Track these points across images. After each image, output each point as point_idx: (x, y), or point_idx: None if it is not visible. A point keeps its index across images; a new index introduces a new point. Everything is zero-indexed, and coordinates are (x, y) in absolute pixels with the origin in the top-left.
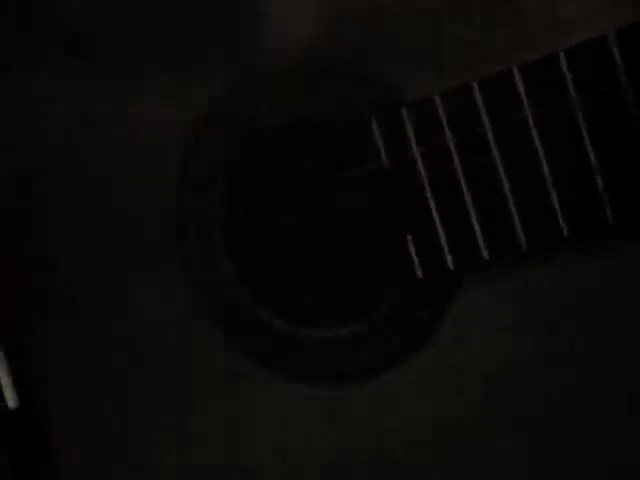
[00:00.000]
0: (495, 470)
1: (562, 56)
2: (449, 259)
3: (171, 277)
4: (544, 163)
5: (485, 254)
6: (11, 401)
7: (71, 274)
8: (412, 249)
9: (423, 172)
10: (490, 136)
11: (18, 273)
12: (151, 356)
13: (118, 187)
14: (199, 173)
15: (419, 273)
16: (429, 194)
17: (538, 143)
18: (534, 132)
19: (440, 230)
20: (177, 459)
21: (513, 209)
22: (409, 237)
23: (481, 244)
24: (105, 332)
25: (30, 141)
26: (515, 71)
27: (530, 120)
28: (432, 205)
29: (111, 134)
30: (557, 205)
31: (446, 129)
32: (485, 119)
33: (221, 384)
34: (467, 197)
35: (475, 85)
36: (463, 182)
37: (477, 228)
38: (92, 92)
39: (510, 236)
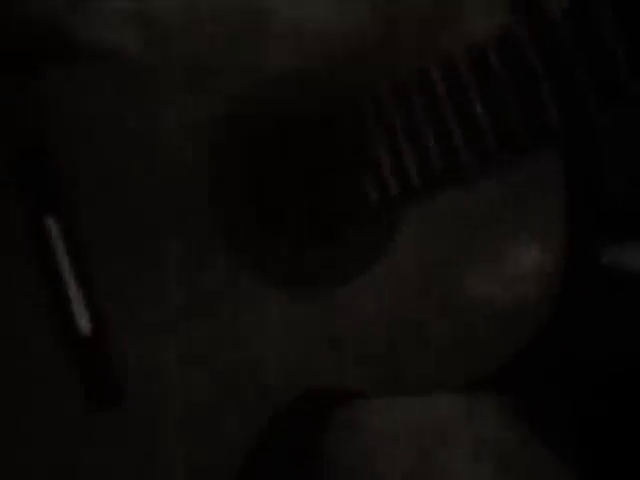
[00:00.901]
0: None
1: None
2: (394, 188)
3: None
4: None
5: (417, 183)
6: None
7: None
8: (369, 184)
9: (387, 166)
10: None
11: None
12: None
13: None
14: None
15: (374, 197)
16: (387, 165)
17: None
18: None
19: (387, 169)
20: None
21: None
22: (367, 184)
23: (414, 178)
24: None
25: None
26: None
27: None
28: (385, 164)
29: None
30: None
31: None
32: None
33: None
34: (406, 153)
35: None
36: (402, 141)
37: (412, 171)
38: None
39: (427, 166)
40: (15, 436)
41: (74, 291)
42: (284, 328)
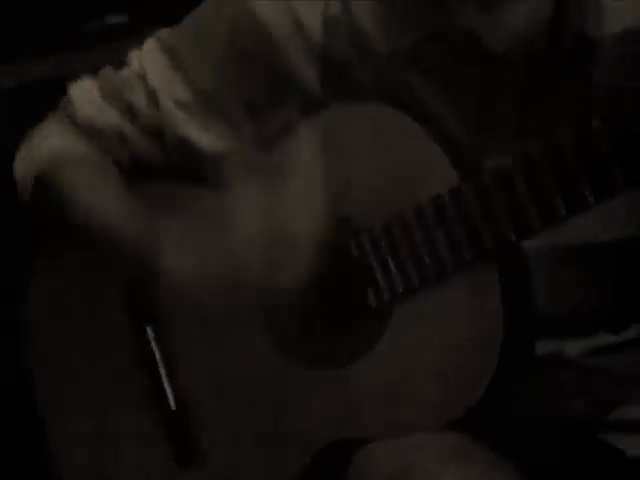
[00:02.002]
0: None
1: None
2: (386, 296)
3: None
4: None
5: (401, 291)
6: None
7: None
8: (370, 296)
9: (381, 279)
10: None
11: None
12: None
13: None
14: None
15: (373, 302)
16: (381, 279)
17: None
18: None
19: (382, 285)
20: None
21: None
22: (368, 292)
23: (400, 289)
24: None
25: None
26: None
27: None
28: (380, 278)
29: None
30: None
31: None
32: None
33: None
34: (394, 274)
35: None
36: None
37: (398, 285)
38: None
39: (409, 282)
40: None
41: (164, 376)
42: (312, 396)
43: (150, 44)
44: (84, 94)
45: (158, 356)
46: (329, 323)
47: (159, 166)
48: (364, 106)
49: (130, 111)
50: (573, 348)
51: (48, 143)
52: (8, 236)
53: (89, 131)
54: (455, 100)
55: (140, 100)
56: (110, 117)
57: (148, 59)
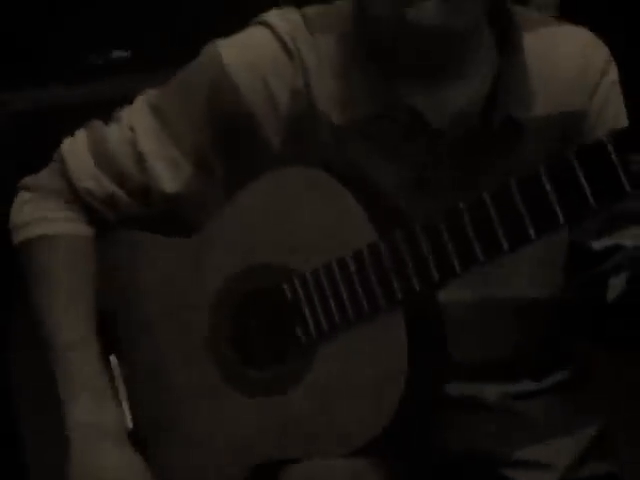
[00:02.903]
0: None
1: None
2: (314, 333)
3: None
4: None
5: (327, 330)
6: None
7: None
8: (300, 332)
9: (309, 318)
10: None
11: None
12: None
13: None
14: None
15: (303, 340)
16: (309, 318)
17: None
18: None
19: (311, 324)
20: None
21: None
22: (298, 329)
23: (326, 328)
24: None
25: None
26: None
27: None
28: (308, 317)
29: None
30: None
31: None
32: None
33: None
34: (322, 316)
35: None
36: (319, 310)
37: (324, 325)
38: None
39: (333, 324)
40: None
41: (124, 399)
42: (250, 420)
43: (139, 103)
44: (80, 164)
45: (119, 382)
46: (265, 356)
47: (141, 216)
48: (303, 171)
49: (120, 177)
50: (493, 392)
51: (45, 226)
52: None
53: (84, 195)
54: (396, 166)
55: (129, 165)
56: (103, 182)
57: (138, 120)
